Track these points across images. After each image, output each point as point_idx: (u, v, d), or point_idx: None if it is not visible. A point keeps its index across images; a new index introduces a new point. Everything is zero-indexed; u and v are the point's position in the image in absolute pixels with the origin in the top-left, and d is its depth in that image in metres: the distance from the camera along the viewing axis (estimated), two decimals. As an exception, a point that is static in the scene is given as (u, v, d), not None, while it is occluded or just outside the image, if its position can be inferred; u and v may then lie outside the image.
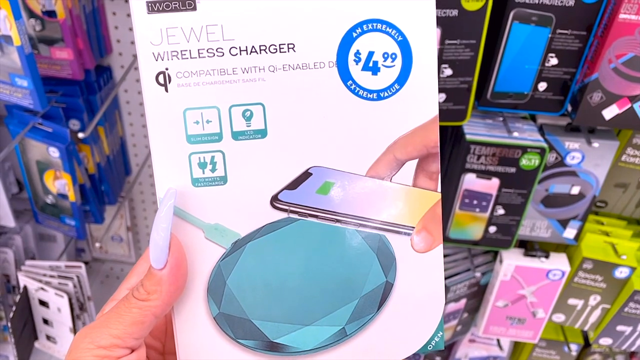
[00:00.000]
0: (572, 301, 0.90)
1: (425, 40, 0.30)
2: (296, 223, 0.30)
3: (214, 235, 0.30)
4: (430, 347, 0.33)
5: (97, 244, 0.90)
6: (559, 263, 0.84)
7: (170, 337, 0.34)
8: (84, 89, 0.85)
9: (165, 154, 0.29)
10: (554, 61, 0.65)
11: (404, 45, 0.30)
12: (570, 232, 0.81)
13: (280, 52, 0.28)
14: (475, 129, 0.72)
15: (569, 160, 0.74)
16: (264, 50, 0.28)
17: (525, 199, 0.75)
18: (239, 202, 0.30)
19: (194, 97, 0.28)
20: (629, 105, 0.66)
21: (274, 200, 0.30)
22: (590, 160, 0.73)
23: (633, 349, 0.95)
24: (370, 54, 0.29)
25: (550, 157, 0.74)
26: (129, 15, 0.86)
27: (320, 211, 0.30)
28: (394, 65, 0.30)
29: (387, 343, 0.32)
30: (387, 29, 0.29)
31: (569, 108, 0.70)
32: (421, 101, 0.30)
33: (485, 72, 0.68)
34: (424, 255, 0.32)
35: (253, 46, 0.28)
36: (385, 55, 0.29)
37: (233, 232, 0.30)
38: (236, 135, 0.29)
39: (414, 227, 0.31)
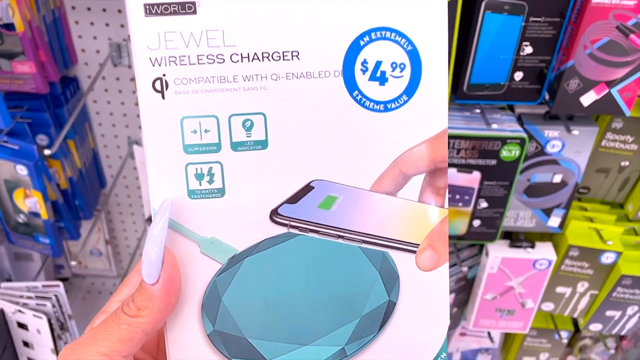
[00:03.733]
0: (560, 289, 0.89)
1: (436, 50, 0.28)
2: (296, 238, 0.29)
3: (210, 250, 0.28)
4: None
5: (73, 262, 0.87)
6: (545, 252, 0.83)
7: (163, 352, 0.33)
8: (50, 103, 0.82)
9: (161, 164, 0.27)
10: (528, 50, 0.64)
11: (414, 55, 0.28)
12: (554, 221, 0.80)
13: (283, 59, 0.27)
14: (453, 123, 0.71)
15: (549, 149, 0.73)
16: (267, 57, 0.27)
17: (508, 191, 0.74)
18: (236, 215, 0.28)
19: (192, 105, 0.27)
20: (606, 91, 0.65)
21: (274, 214, 0.28)
22: (571, 147, 0.73)
23: (623, 332, 0.95)
24: (378, 63, 0.28)
25: (531, 147, 0.73)
26: (92, 23, 0.83)
27: (321, 226, 0.29)
28: (403, 76, 0.28)
29: None
30: (396, 37, 0.28)
31: (547, 96, 0.69)
32: (430, 113, 0.29)
33: (460, 64, 0.66)
34: (429, 273, 0.30)
35: (255, 53, 0.27)
36: (394, 65, 0.28)
37: (230, 246, 0.29)
38: (235, 146, 0.28)
39: (418, 245, 0.30)
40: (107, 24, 0.83)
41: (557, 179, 0.76)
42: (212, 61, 0.27)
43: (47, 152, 0.71)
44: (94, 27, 0.84)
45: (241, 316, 0.29)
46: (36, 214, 0.82)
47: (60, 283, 0.87)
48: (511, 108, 0.75)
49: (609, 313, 0.90)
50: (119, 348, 0.27)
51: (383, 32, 0.28)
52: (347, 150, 0.28)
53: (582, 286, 0.88)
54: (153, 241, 0.26)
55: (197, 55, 0.27)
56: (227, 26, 0.27)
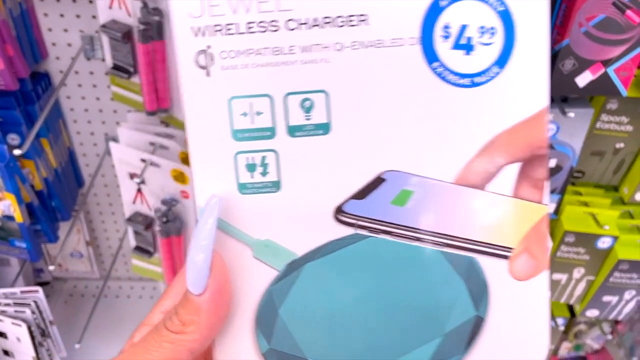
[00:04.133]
0: (556, 276, 0.87)
1: (534, 10, 0.23)
2: (365, 241, 0.25)
3: (264, 254, 0.25)
4: None
5: (51, 267, 0.83)
6: (540, 239, 0.81)
7: None
8: (20, 100, 0.78)
9: (207, 154, 0.24)
10: (521, 30, 0.62)
11: (506, 17, 0.23)
12: (549, 207, 0.78)
13: (349, 25, 0.23)
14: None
15: (543, 132, 0.71)
16: (329, 23, 0.23)
17: (502, 177, 0.72)
18: (295, 213, 0.24)
19: (241, 83, 0.23)
20: (602, 71, 0.63)
21: (339, 212, 0.25)
22: (565, 130, 0.70)
23: (620, 317, 0.93)
24: (463, 27, 0.23)
25: (524, 131, 0.71)
26: (62, 15, 0.79)
27: (395, 227, 0.25)
28: (493, 43, 0.24)
29: None
30: None
31: (540, 78, 0.66)
32: (527, 89, 0.24)
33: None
34: (525, 283, 0.26)
35: (315, 18, 0.23)
36: (482, 30, 0.23)
37: (287, 250, 0.25)
38: (293, 131, 0.24)
39: (512, 249, 0.25)
40: (77, 16, 0.79)
41: (552, 163, 0.74)
42: (264, 29, 0.23)
43: (17, 152, 0.67)
44: (64, 19, 0.79)
45: (301, 332, 0.25)
46: (10, 218, 0.78)
47: (39, 288, 0.83)
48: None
49: (605, 298, 0.89)
50: None
51: None
52: (426, 135, 0.24)
53: (578, 272, 0.86)
54: (199, 245, 0.23)
55: (247, 23, 0.23)
56: None
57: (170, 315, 0.24)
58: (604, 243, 0.81)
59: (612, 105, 0.72)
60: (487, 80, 0.24)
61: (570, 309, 1.00)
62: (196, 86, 0.23)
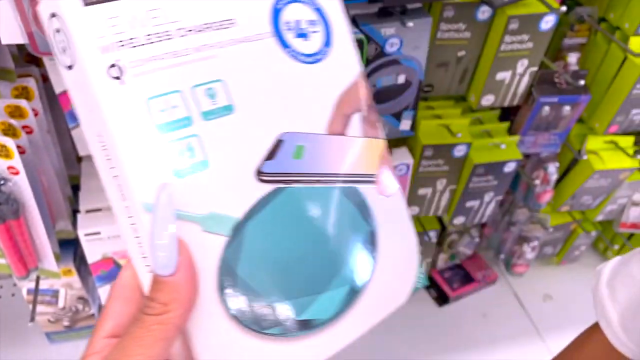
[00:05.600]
0: (422, 191, 0.90)
1: (334, 6, 0.33)
2: (284, 192, 0.30)
3: (211, 226, 0.28)
4: (418, 284, 0.36)
5: None
6: (402, 157, 0.82)
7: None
8: None
9: (139, 151, 0.26)
10: (349, -61, 0.59)
11: (320, 13, 0.32)
12: (405, 124, 0.79)
13: (223, 28, 0.29)
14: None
15: (388, 48, 0.70)
16: (209, 28, 0.28)
17: (355, 99, 0.70)
18: (226, 184, 0.28)
19: (153, 85, 0.27)
20: (433, -25, 0.62)
21: (259, 173, 0.29)
22: (409, 43, 0.70)
23: (484, 220, 0.99)
24: (298, 22, 0.31)
25: (370, 49, 0.69)
26: None
27: (302, 175, 0.31)
28: (318, 31, 0.32)
29: (388, 291, 0.34)
30: None
31: (376, -9, 0.65)
32: (348, 59, 0.33)
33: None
34: (390, 198, 0.34)
35: (198, 25, 0.28)
36: (309, 23, 0.32)
37: (230, 217, 0.28)
38: (206, 115, 0.28)
39: (375, 175, 0.34)
40: None
41: (401, 79, 0.74)
42: (160, 39, 0.27)
43: None
44: None
45: (259, 283, 0.29)
46: None
47: None
48: (344, 11, 0.71)
49: (469, 204, 0.93)
50: (156, 352, 0.25)
51: None
52: (297, 102, 0.31)
53: (440, 184, 0.89)
54: (163, 229, 0.25)
55: (146, 36, 0.27)
56: (166, 4, 0.27)
57: (147, 304, 0.25)
58: (459, 151, 0.84)
59: (449, 12, 0.72)
60: (324, 57, 0.32)
61: (440, 220, 1.05)
62: (113, 95, 0.26)
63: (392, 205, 0.34)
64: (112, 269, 0.80)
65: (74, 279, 0.84)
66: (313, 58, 0.32)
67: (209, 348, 0.28)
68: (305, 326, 0.30)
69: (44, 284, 0.84)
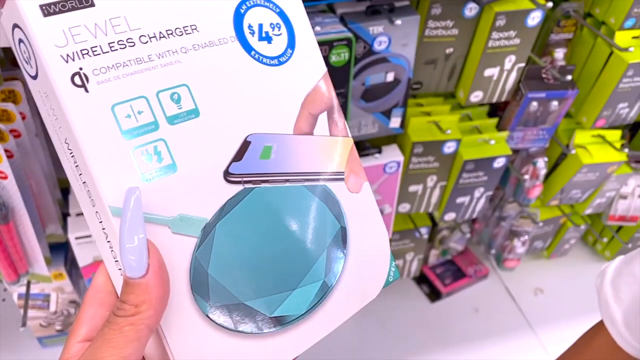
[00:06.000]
0: (412, 188, 0.90)
1: (297, 9, 0.33)
2: (252, 192, 0.31)
3: (181, 228, 0.28)
4: (390, 278, 0.37)
5: None
6: (392, 155, 0.82)
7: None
8: None
9: (105, 157, 0.26)
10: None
11: (283, 16, 0.33)
12: (395, 121, 0.79)
13: (186, 34, 0.29)
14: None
15: (376, 46, 0.70)
16: (171, 34, 0.29)
17: (345, 98, 0.71)
18: (194, 186, 0.29)
19: (117, 92, 0.27)
20: (420, -27, 0.62)
21: (227, 174, 0.30)
22: (397, 41, 0.70)
23: (474, 216, 0.99)
24: (260, 25, 0.32)
25: (359, 48, 0.69)
26: None
27: (269, 175, 0.31)
28: (282, 34, 0.33)
29: (360, 286, 0.35)
30: (266, 2, 0.32)
31: (364, -11, 0.65)
32: (312, 61, 0.34)
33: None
34: (359, 194, 0.35)
35: (160, 31, 0.28)
36: (272, 26, 0.32)
37: (199, 218, 0.29)
38: (171, 120, 0.28)
39: (343, 172, 0.34)
40: None
41: (390, 77, 0.74)
42: (123, 46, 0.27)
43: None
44: None
45: (231, 282, 0.30)
46: None
47: None
48: (332, 10, 0.71)
49: (459, 200, 0.94)
50: (128, 352, 0.25)
51: (254, 0, 0.32)
52: (264, 103, 0.31)
53: (431, 180, 0.90)
54: (133, 231, 0.25)
55: (108, 44, 0.27)
56: (127, 12, 0.28)
57: (119, 306, 0.26)
58: (449, 148, 0.84)
59: (436, 10, 0.73)
60: (288, 59, 0.33)
61: (431, 217, 1.05)
62: (78, 103, 0.26)
63: (361, 201, 0.35)
64: (103, 272, 0.80)
65: (65, 283, 0.84)
66: (277, 60, 0.32)
67: (184, 348, 0.28)
68: (279, 322, 0.31)
69: (35, 289, 0.84)
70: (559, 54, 0.87)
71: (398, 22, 0.67)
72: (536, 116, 0.87)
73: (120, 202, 0.26)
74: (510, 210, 1.09)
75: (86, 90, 0.26)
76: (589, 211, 1.09)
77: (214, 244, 0.29)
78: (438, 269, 1.18)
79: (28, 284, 0.81)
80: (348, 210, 0.34)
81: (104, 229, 0.28)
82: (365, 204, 0.35)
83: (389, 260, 0.36)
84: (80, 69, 0.26)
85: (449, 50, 0.78)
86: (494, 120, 0.89)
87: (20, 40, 0.27)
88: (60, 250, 0.81)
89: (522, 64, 0.80)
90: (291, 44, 0.33)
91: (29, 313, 0.85)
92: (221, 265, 0.29)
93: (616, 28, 0.82)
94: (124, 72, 0.27)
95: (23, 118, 0.69)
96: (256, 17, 0.31)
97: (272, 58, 0.32)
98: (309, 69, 0.33)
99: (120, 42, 0.27)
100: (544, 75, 0.84)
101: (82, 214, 0.75)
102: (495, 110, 0.93)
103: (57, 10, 0.26)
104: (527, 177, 0.97)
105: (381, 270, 0.36)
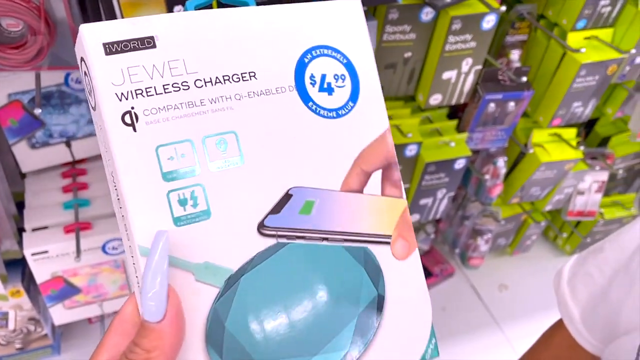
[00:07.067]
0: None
1: (366, 61, 0.32)
2: (286, 247, 0.29)
3: (205, 276, 0.28)
4: (427, 356, 0.33)
5: None
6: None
7: None
8: None
9: (142, 196, 0.27)
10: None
11: (350, 67, 0.32)
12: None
13: (242, 80, 0.29)
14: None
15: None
16: (228, 80, 0.28)
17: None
18: (226, 235, 0.28)
19: (164, 133, 0.27)
20: (375, -21, 0.63)
21: (261, 227, 0.29)
22: (355, 46, 0.70)
23: (438, 216, 1.01)
24: (323, 76, 0.31)
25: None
26: None
27: (306, 232, 0.30)
28: (345, 85, 0.31)
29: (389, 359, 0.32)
30: (333, 53, 0.31)
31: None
32: (374, 115, 0.32)
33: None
34: (405, 261, 0.32)
35: (217, 77, 0.28)
36: (336, 77, 0.31)
37: (225, 268, 0.28)
38: (214, 166, 0.28)
39: (390, 236, 0.32)
40: None
41: (350, 82, 0.74)
42: (177, 89, 0.27)
43: None
44: None
45: (247, 339, 0.28)
46: None
47: None
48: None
49: (422, 202, 0.95)
50: None
51: (322, 50, 0.31)
52: (314, 156, 0.30)
53: (394, 183, 0.90)
54: (156, 275, 0.25)
55: (163, 85, 0.27)
56: (187, 55, 0.28)
57: (131, 350, 0.25)
58: (411, 151, 0.85)
59: (393, 15, 0.73)
60: (347, 112, 0.31)
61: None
62: (125, 141, 0.26)
63: (406, 269, 0.32)
64: (62, 288, 0.78)
65: (24, 300, 0.81)
66: (335, 113, 0.31)
67: None
68: None
69: (-9, 307, 0.81)
70: (515, 55, 0.89)
71: (355, 27, 0.67)
72: (494, 117, 0.88)
73: (148, 242, 0.26)
74: (473, 210, 1.11)
75: (134, 130, 0.27)
76: (548, 208, 1.12)
77: (236, 297, 0.28)
78: (405, 269, 1.19)
79: (-16, 303, 0.78)
80: (389, 277, 0.32)
81: (134, 263, 0.28)
82: (411, 273, 0.32)
83: (429, 336, 0.33)
84: (132, 108, 0.27)
85: (408, 55, 0.79)
86: (454, 122, 0.90)
87: (85, 73, 0.28)
88: (16, 267, 0.79)
89: (479, 67, 0.81)
90: (354, 96, 0.32)
91: (-15, 332, 0.82)
92: (239, 320, 0.28)
93: (568, 29, 0.84)
94: (174, 114, 0.27)
95: (-28, 132, 0.66)
96: (320, 67, 0.31)
97: (331, 110, 0.31)
98: (369, 123, 0.32)
99: (174, 85, 0.27)
100: (500, 77, 0.85)
101: (38, 228, 0.73)
102: (455, 111, 0.94)
103: (119, 49, 0.27)
104: (487, 176, 0.99)
105: (417, 346, 0.33)
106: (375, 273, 0.31)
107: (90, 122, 0.73)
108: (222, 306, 0.28)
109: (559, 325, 0.55)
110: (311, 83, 0.31)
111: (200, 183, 0.28)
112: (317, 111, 0.31)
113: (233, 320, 0.28)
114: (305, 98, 0.30)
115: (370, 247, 0.31)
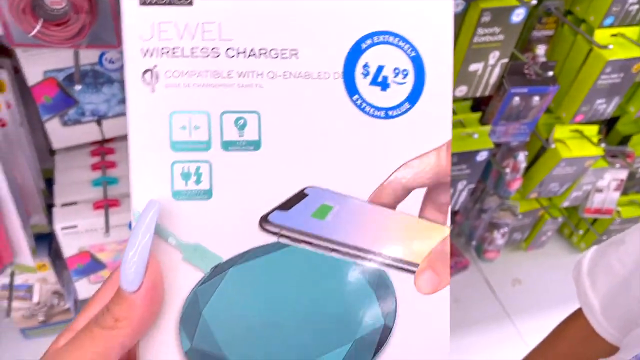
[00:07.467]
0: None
1: (441, 58, 0.27)
2: (286, 249, 0.27)
3: (192, 257, 0.26)
4: None
5: None
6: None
7: None
8: None
9: (146, 162, 0.25)
10: None
11: (417, 62, 0.27)
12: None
13: (281, 57, 0.26)
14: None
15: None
16: (264, 54, 0.26)
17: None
18: (223, 220, 0.26)
19: (182, 100, 0.25)
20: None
21: (264, 221, 0.26)
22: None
23: (456, 208, 1.01)
24: (380, 68, 0.27)
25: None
26: None
27: (314, 237, 0.27)
28: (405, 83, 0.27)
29: None
30: (400, 42, 0.27)
31: None
32: (433, 123, 0.27)
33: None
34: (429, 297, 0.28)
35: (252, 49, 0.26)
36: (397, 71, 0.27)
37: (214, 254, 0.26)
38: (226, 145, 0.26)
39: (418, 265, 0.27)
40: None
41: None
42: (206, 55, 0.25)
43: None
44: None
45: (222, 333, 0.26)
46: None
47: None
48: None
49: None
50: None
51: (386, 37, 0.26)
52: (345, 157, 0.27)
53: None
54: (138, 243, 0.24)
55: (191, 48, 0.25)
56: (225, 19, 0.25)
57: (102, 313, 0.24)
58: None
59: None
60: (400, 114, 0.27)
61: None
62: (141, 101, 0.25)
63: (428, 307, 0.27)
64: (88, 263, 0.80)
65: (49, 274, 0.83)
66: (385, 112, 0.27)
67: None
68: None
69: (17, 279, 0.83)
70: (541, 50, 0.89)
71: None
72: (518, 111, 0.89)
73: (142, 208, 0.25)
74: (491, 203, 1.11)
75: (152, 90, 0.25)
76: (566, 204, 1.12)
77: (220, 286, 0.26)
78: (419, 260, 1.20)
79: (12, 274, 0.81)
80: (404, 310, 0.27)
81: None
82: (433, 312, 0.28)
83: None
84: (155, 66, 0.25)
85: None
86: (477, 115, 0.90)
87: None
88: (43, 241, 0.81)
89: (506, 60, 0.81)
90: (413, 97, 0.27)
91: (11, 304, 0.84)
92: (218, 311, 0.26)
93: (595, 26, 0.84)
94: (196, 82, 0.25)
95: (8, 107, 0.68)
96: (379, 56, 0.26)
97: (379, 109, 0.27)
98: (425, 131, 0.27)
99: (203, 50, 0.25)
100: (526, 71, 0.86)
101: (67, 204, 0.75)
102: (479, 104, 0.95)
103: (154, 1, 0.25)
104: (508, 170, 0.99)
105: None
106: (387, 301, 0.27)
107: (121, 102, 0.74)
108: (202, 292, 0.26)
109: (573, 318, 0.56)
110: (363, 73, 0.26)
111: (208, 160, 0.26)
112: (362, 106, 0.27)
113: (211, 309, 0.26)
114: (352, 89, 0.26)
115: (389, 272, 0.27)
